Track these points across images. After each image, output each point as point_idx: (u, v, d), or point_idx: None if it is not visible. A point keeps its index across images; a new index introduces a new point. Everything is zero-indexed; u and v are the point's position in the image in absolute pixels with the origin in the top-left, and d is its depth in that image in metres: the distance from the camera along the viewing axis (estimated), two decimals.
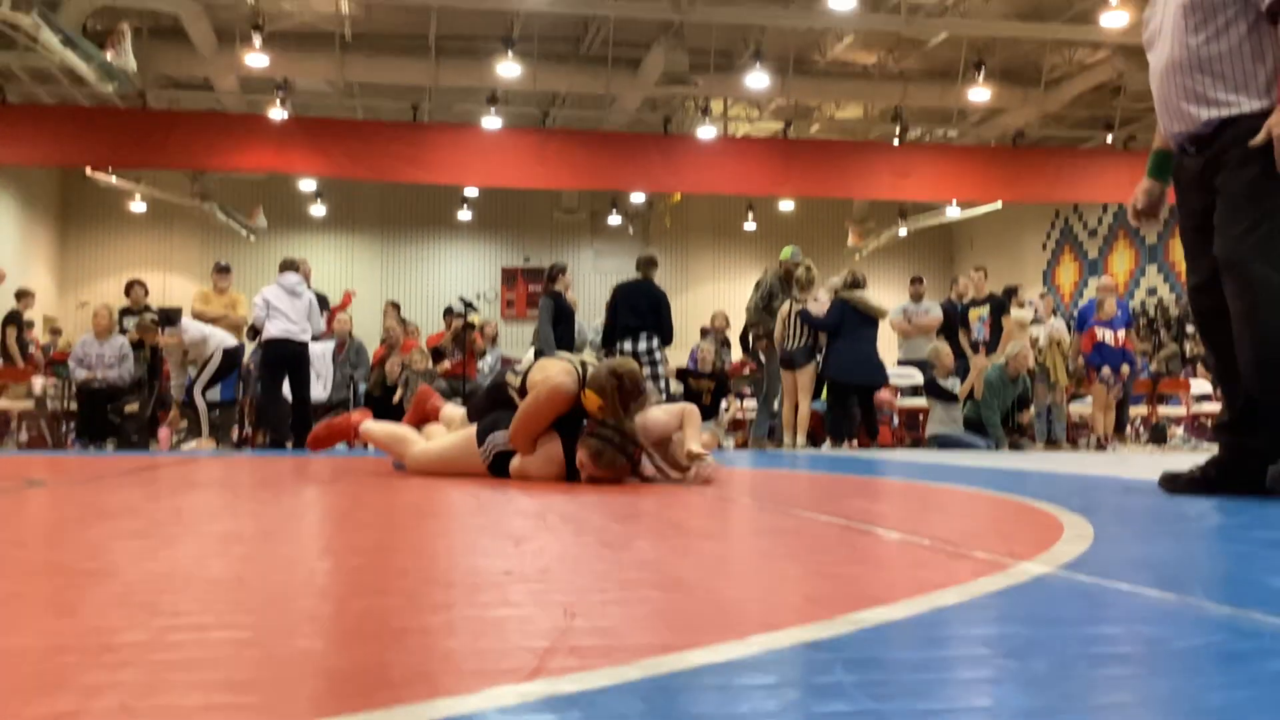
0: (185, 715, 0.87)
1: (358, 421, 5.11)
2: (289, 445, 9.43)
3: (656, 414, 4.22)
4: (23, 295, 13.31)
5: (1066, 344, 11.20)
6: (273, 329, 9.51)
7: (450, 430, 4.73)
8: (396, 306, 13.40)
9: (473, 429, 4.41)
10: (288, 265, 9.90)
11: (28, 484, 4.23)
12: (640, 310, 9.90)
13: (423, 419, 5.06)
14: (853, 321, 9.85)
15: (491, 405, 4.45)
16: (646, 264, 10.21)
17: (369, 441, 5.08)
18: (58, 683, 0.97)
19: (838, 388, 10.05)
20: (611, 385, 3.94)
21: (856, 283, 10.02)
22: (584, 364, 4.17)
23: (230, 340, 9.73)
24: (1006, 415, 10.65)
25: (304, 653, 1.11)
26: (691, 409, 4.33)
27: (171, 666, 1.03)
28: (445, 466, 4.44)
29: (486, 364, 11.73)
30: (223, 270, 11.04)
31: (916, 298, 11.98)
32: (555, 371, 4.09)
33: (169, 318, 10.22)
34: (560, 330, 9.82)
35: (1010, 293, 11.55)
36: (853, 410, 10.00)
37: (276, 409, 9.75)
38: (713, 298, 20.15)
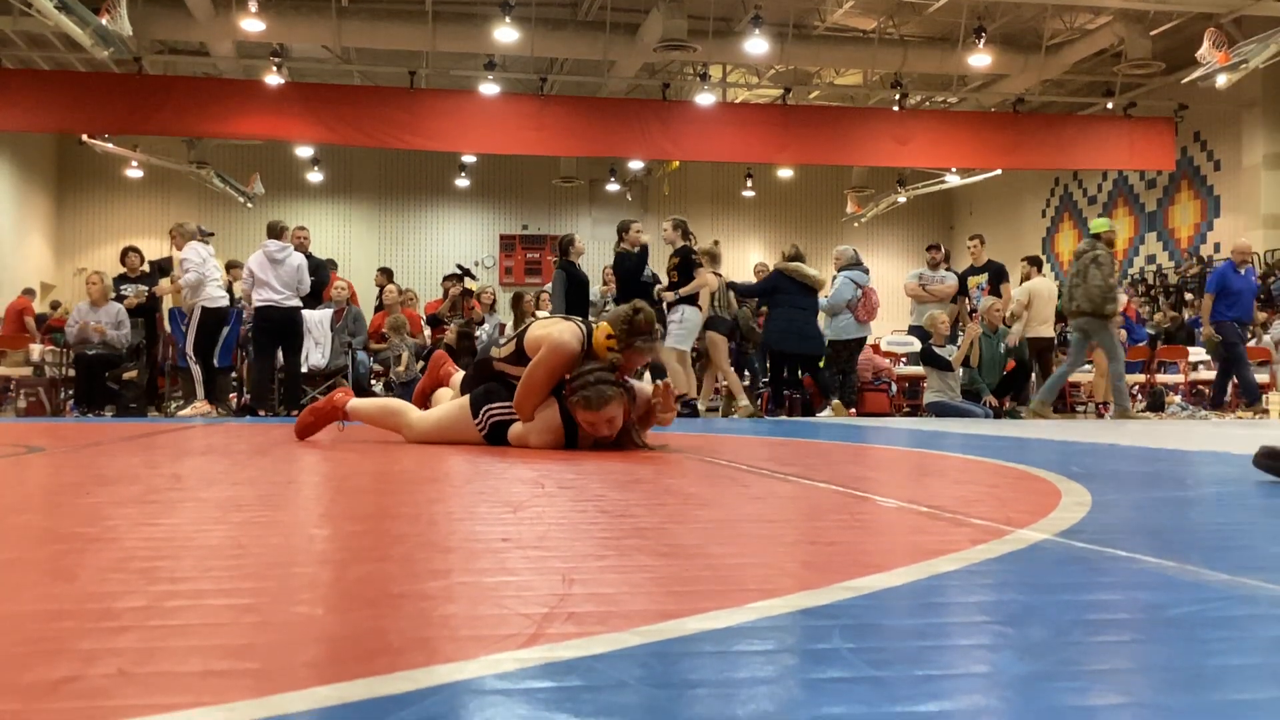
0: (184, 681, 0.87)
1: (341, 402, 5.03)
2: (263, 413, 9.43)
3: (642, 386, 4.25)
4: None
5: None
6: (257, 297, 9.57)
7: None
8: (388, 273, 13.33)
9: (466, 399, 4.41)
10: (272, 230, 9.88)
11: (27, 450, 4.24)
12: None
13: (436, 383, 5.06)
14: (790, 292, 10.06)
15: (482, 380, 4.45)
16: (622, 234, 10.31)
17: (359, 419, 5.03)
18: (56, 648, 0.97)
19: (775, 356, 10.32)
20: (625, 314, 4.05)
21: (796, 255, 10.24)
22: (588, 322, 4.18)
23: (214, 301, 9.72)
24: (1002, 384, 10.72)
25: (303, 619, 1.11)
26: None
27: (170, 633, 1.04)
28: (441, 436, 4.44)
29: (485, 331, 11.71)
30: (204, 236, 11.00)
31: (934, 265, 11.98)
32: (559, 330, 4.10)
33: (163, 268, 10.17)
34: (573, 299, 9.90)
35: (1034, 263, 11.66)
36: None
37: (261, 375, 9.78)
38: None
